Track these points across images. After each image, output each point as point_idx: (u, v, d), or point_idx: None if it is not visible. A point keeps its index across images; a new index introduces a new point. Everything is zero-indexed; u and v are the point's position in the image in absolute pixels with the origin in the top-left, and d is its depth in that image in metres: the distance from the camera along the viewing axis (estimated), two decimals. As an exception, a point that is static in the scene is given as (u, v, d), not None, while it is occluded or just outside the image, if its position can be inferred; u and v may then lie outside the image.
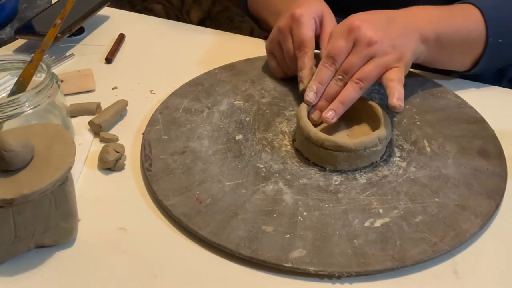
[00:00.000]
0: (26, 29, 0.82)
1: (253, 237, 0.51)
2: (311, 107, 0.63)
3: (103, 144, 0.63)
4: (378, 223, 0.52)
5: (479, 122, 0.65)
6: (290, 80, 0.73)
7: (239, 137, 0.63)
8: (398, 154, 0.61)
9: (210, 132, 0.64)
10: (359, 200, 0.55)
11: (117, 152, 0.60)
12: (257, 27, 1.02)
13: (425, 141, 0.62)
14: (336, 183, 0.57)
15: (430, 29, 0.66)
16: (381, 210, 0.54)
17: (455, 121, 0.65)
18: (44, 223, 0.49)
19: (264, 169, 0.59)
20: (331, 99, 0.62)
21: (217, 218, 0.53)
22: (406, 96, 0.69)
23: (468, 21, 0.69)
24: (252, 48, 0.81)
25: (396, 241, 0.50)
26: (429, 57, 0.69)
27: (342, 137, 0.61)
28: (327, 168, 0.59)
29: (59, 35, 0.77)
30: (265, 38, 0.94)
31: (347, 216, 0.53)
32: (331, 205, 0.54)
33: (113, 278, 0.49)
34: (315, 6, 0.70)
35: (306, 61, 0.66)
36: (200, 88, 0.71)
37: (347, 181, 0.57)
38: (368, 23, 0.62)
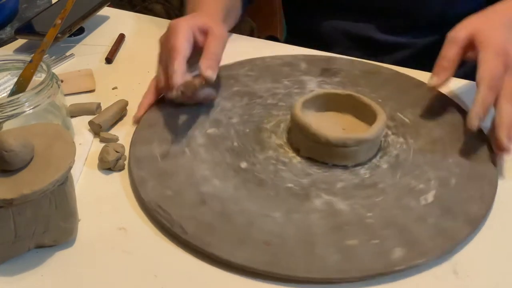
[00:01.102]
0: (26, 29, 0.82)
1: (344, 255, 0.49)
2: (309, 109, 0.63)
3: (103, 144, 0.63)
4: (430, 198, 0.55)
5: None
6: (238, 94, 0.70)
7: (244, 165, 0.59)
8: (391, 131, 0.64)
9: (211, 171, 0.58)
10: (399, 183, 0.57)
11: (117, 152, 0.60)
12: (256, 27, 1.02)
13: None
14: (367, 176, 0.58)
15: None
16: (422, 185, 0.56)
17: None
18: (44, 223, 0.49)
19: (297, 188, 0.56)
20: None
21: (297, 253, 0.49)
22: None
23: None
24: (252, 48, 0.81)
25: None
26: None
27: (336, 131, 0.61)
28: (349, 165, 0.59)
29: (59, 35, 0.77)
30: (265, 38, 0.94)
31: (403, 199, 0.55)
32: (381, 197, 0.55)
33: (113, 278, 0.49)
34: (198, 18, 0.66)
35: (176, 66, 0.61)
36: (161, 129, 0.64)
37: (374, 170, 0.58)
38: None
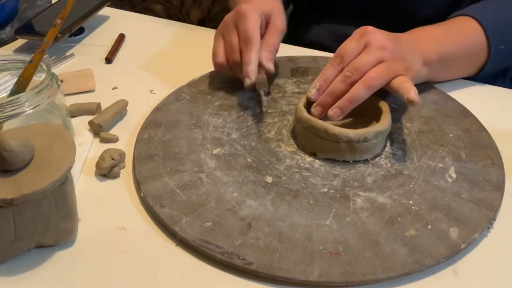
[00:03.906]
0: (26, 29, 0.82)
1: (410, 247, 0.50)
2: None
3: (103, 144, 0.63)
4: (453, 174, 0.57)
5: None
6: (223, 108, 0.68)
7: (269, 179, 0.57)
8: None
9: (240, 192, 0.56)
10: (420, 167, 0.58)
11: (113, 159, 0.59)
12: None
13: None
14: (389, 165, 0.59)
15: (432, 52, 0.68)
16: (441, 164, 0.59)
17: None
18: (44, 223, 0.49)
19: (333, 191, 0.56)
20: (335, 95, 0.61)
21: (367, 255, 0.49)
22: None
23: (468, 35, 0.70)
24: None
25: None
26: (433, 76, 0.70)
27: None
28: (369, 158, 0.60)
29: (59, 35, 0.78)
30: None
31: (432, 180, 0.57)
32: (412, 183, 0.56)
33: (113, 278, 0.49)
34: (264, 4, 0.69)
35: (252, 56, 0.64)
36: (162, 160, 0.60)
37: (392, 159, 0.60)
38: (380, 32, 0.63)
